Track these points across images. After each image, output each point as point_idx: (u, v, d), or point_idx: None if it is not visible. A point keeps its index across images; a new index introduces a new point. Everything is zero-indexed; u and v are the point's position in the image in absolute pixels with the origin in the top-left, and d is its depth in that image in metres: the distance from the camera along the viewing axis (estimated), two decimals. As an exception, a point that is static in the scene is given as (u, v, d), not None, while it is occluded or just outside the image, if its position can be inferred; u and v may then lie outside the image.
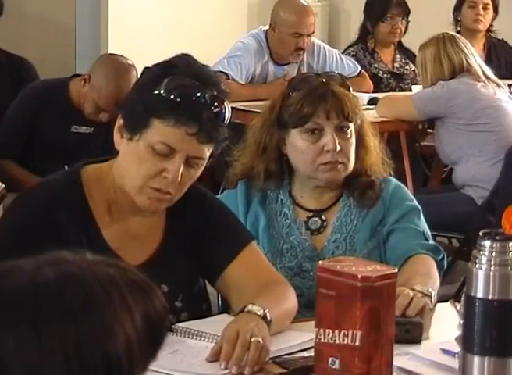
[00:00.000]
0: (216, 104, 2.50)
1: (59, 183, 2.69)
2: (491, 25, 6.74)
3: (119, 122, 2.57)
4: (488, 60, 5.58)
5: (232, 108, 2.58)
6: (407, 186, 3.36)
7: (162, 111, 2.47)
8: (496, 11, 6.70)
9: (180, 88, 2.47)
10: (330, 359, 2.27)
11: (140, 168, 2.52)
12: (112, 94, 4.45)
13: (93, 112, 4.62)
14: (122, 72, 4.53)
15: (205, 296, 2.80)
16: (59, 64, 7.03)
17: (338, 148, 2.94)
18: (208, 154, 2.54)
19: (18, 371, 1.27)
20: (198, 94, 2.47)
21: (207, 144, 2.51)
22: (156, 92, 2.48)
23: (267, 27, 5.93)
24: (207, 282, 2.79)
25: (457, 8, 6.76)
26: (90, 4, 8.03)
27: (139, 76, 2.71)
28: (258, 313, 2.45)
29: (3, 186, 4.60)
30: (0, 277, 1.35)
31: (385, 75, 6.59)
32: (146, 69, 2.62)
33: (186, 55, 2.59)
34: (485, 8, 6.67)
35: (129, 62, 4.61)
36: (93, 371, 1.29)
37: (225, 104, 2.52)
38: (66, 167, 2.88)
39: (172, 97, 2.46)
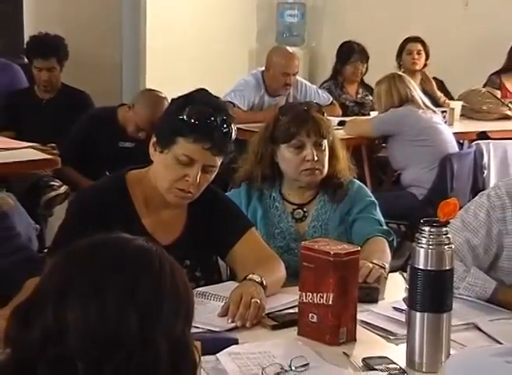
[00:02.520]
0: (225, 125, 2.49)
1: (109, 184, 2.69)
2: (425, 65, 6.73)
3: (153, 139, 2.56)
4: (424, 92, 5.57)
5: (237, 128, 2.57)
6: (366, 186, 3.35)
7: (185, 131, 2.46)
8: (427, 55, 6.69)
9: (198, 114, 2.46)
10: (310, 315, 2.27)
11: (168, 173, 2.52)
12: (149, 118, 4.44)
13: (134, 131, 4.62)
14: (157, 102, 4.52)
15: (217, 268, 2.80)
16: (109, 95, 7.01)
17: (316, 158, 2.93)
18: (219, 163, 2.53)
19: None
20: (212, 119, 2.46)
21: (218, 156, 2.51)
22: (180, 117, 2.47)
23: (263, 68, 5.91)
24: (218, 258, 2.79)
25: (399, 55, 6.75)
26: (133, 49, 8.07)
27: (168, 105, 2.70)
28: (257, 281, 2.45)
29: (67, 187, 4.61)
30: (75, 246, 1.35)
31: (350, 104, 6.57)
32: (173, 100, 2.61)
33: (202, 89, 2.59)
34: (418, 53, 6.65)
35: (162, 95, 4.59)
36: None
37: (231, 125, 2.51)
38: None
39: (192, 121, 2.46)
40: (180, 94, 2.59)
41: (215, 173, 2.56)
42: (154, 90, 4.85)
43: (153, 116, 4.33)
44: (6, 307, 2.17)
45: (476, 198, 2.75)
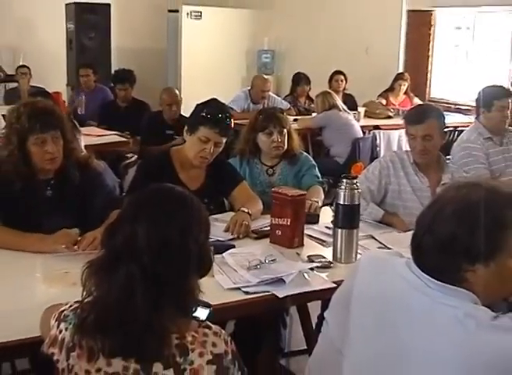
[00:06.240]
0: (228, 120, 2.45)
1: (159, 155, 2.64)
2: (344, 87, 6.62)
3: (185, 128, 2.52)
4: (344, 102, 5.50)
5: (234, 123, 2.52)
6: (310, 155, 3.30)
7: (204, 122, 2.43)
8: (346, 81, 6.57)
9: (212, 113, 2.43)
10: (277, 231, 2.26)
11: (194, 148, 2.48)
12: (168, 96, 4.59)
13: (167, 112, 4.62)
14: (169, 89, 4.69)
15: (223, 204, 2.75)
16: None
17: (279, 140, 2.89)
18: (224, 141, 2.50)
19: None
20: (220, 115, 2.43)
21: (224, 137, 2.47)
22: (201, 114, 2.43)
23: (249, 87, 5.84)
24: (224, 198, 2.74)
25: (330, 81, 6.57)
26: (174, 77, 7.97)
27: (194, 108, 2.62)
28: (246, 211, 2.42)
29: (136, 157, 4.54)
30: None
31: (301, 108, 6.43)
32: (197, 105, 2.56)
33: (214, 98, 2.55)
34: (341, 80, 6.51)
35: (176, 92, 4.71)
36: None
37: (231, 119, 2.47)
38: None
39: (208, 116, 2.43)
40: (202, 101, 2.54)
41: (222, 147, 2.52)
42: (169, 87, 5.00)
43: (169, 95, 4.57)
44: (100, 227, 2.14)
45: (373, 163, 2.75)
